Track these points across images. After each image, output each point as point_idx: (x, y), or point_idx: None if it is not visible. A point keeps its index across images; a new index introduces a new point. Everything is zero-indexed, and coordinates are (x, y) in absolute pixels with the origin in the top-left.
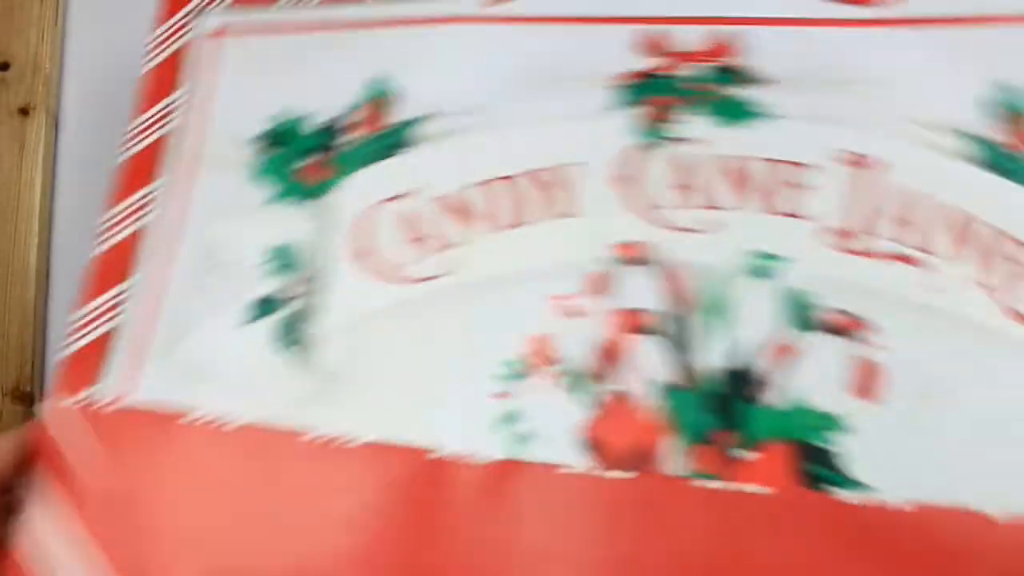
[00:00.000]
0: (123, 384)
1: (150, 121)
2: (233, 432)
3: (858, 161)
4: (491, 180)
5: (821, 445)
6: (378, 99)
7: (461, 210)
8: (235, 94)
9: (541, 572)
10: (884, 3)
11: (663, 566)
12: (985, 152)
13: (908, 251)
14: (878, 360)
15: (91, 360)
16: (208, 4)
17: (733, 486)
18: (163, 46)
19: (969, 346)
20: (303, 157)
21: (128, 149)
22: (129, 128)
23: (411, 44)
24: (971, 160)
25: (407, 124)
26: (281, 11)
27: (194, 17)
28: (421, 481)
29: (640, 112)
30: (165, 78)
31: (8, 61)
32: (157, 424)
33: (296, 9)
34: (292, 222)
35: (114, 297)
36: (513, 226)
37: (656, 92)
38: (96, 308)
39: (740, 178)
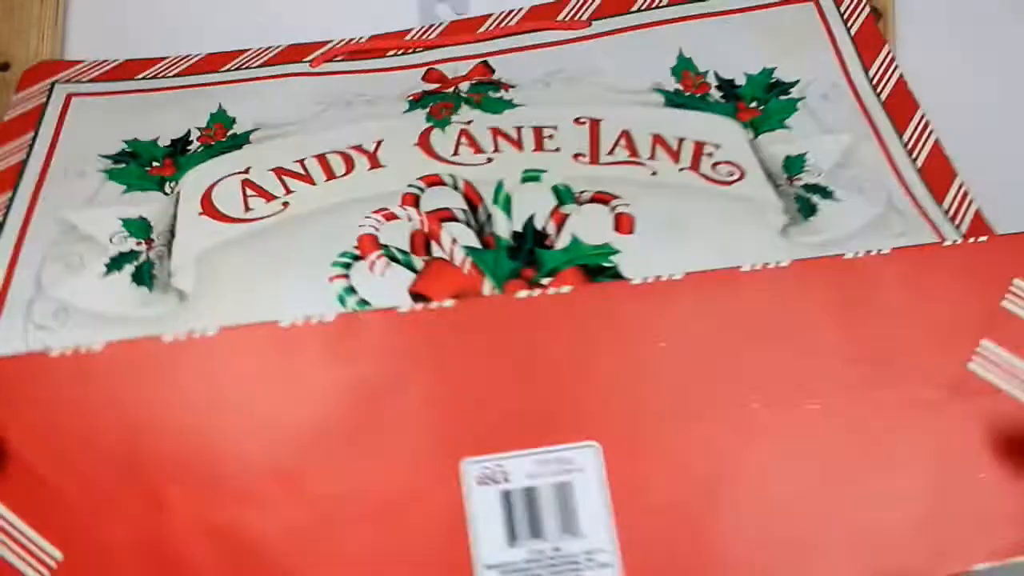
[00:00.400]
0: None
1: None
2: (99, 353)
3: (585, 121)
4: (314, 155)
5: (601, 264)
6: (217, 122)
7: (290, 174)
8: (83, 130)
9: (388, 403)
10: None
11: (490, 374)
12: (671, 97)
13: (631, 159)
14: (627, 207)
15: None
16: (66, 78)
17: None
18: (21, 105)
19: (688, 196)
20: (156, 162)
21: None
22: None
23: (245, 90)
24: (662, 104)
25: (239, 135)
26: (135, 82)
27: (53, 86)
28: (276, 353)
29: (428, 112)
30: (20, 123)
31: (8, 61)
32: (23, 365)
33: (148, 81)
34: (145, 203)
35: None
36: (336, 176)
37: (440, 100)
38: None
39: (505, 137)
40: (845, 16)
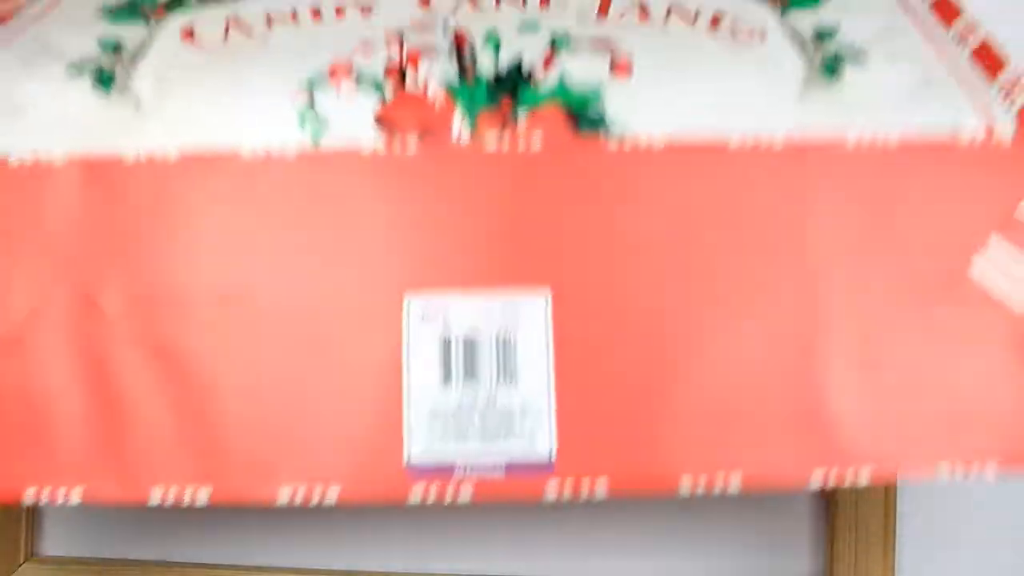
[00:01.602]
0: None
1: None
2: (60, 167)
3: None
4: (307, 4)
5: (586, 110)
6: None
7: (277, 13)
8: None
9: (348, 244)
10: None
11: (453, 224)
12: None
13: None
14: (627, 52)
15: None
16: None
17: (509, 145)
18: None
19: (699, 45)
20: (148, 5)
21: None
22: None
23: None
24: None
25: None
26: None
27: None
28: (236, 184)
29: None
30: None
31: None
32: None
33: None
34: (127, 28)
35: None
36: (322, 18)
37: None
38: None
39: None
40: None
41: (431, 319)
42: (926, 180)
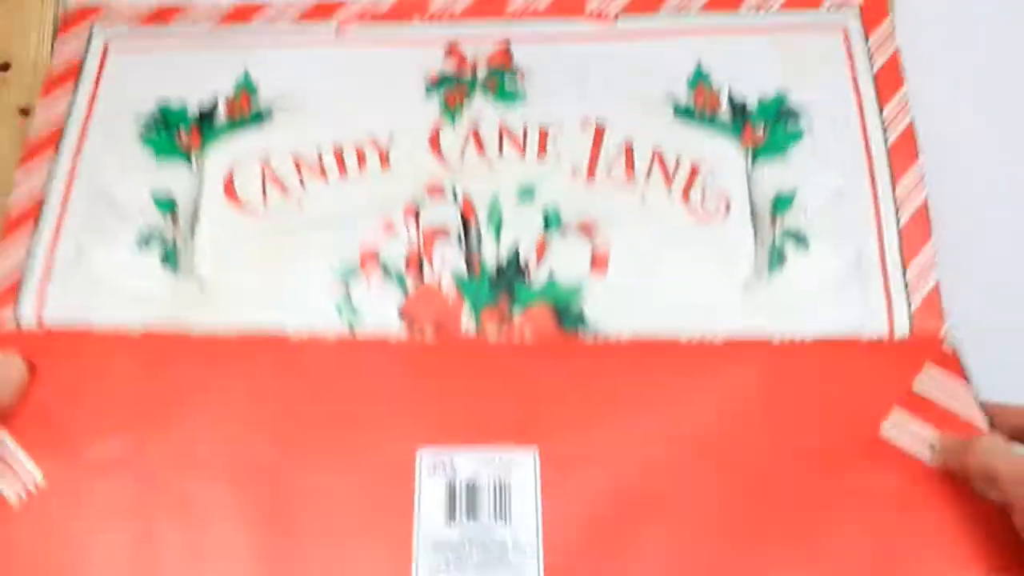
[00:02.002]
0: (35, 305)
1: (51, 99)
2: (135, 338)
3: (591, 124)
4: (331, 142)
5: (569, 306)
6: (242, 90)
7: (307, 165)
8: (119, 84)
9: (372, 409)
10: (610, 22)
11: (463, 405)
12: (681, 110)
13: (626, 179)
14: (606, 249)
15: (7, 288)
16: (105, 24)
17: (506, 337)
18: (63, 56)
19: (664, 235)
20: (184, 131)
21: (36, 118)
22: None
23: (272, 56)
24: (673, 116)
25: (263, 109)
26: (170, 27)
27: (90, 29)
28: (282, 361)
29: (442, 97)
30: (62, 75)
31: (8, 61)
32: (69, 338)
33: (183, 26)
34: (173, 175)
35: (24, 237)
36: (348, 175)
37: (455, 83)
38: (9, 245)
39: (511, 137)
40: (872, 49)
41: (439, 469)
42: (837, 369)
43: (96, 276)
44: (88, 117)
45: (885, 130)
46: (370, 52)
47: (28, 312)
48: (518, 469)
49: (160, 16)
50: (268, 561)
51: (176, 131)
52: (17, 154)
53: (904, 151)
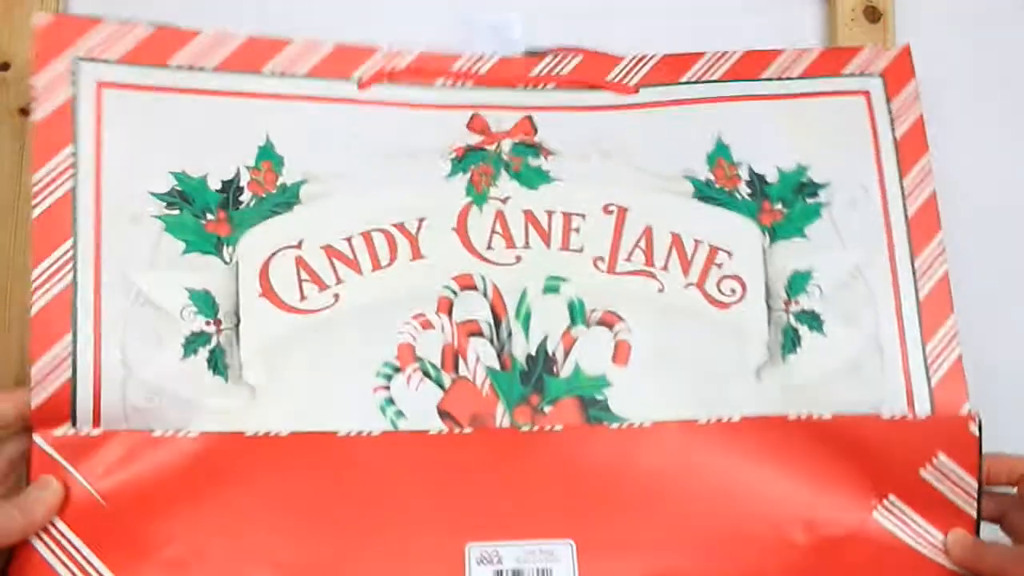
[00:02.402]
0: (88, 419)
1: (49, 177)
2: (192, 440)
3: (613, 209)
4: (361, 232)
5: (595, 396)
6: (265, 163)
7: (339, 256)
8: (127, 150)
9: (420, 503)
10: (631, 93)
11: (494, 483)
12: (701, 187)
13: (645, 268)
14: (628, 340)
15: (59, 405)
16: (91, 54)
17: (538, 428)
18: (48, 96)
19: (681, 323)
20: (209, 212)
21: (37, 206)
22: (33, 183)
23: (292, 116)
24: (692, 195)
25: (289, 188)
26: (170, 72)
27: (76, 65)
28: (332, 457)
29: (469, 178)
30: (55, 130)
31: (8, 61)
32: (130, 444)
33: (184, 72)
34: (207, 269)
35: (63, 348)
36: (381, 266)
37: (480, 161)
38: (50, 359)
39: (536, 225)
40: (894, 114)
41: (487, 561)
42: (848, 448)
43: (147, 389)
44: (98, 191)
45: (905, 200)
46: (394, 114)
47: (83, 424)
48: (558, 559)
49: (153, 48)
50: None
51: (201, 214)
52: (17, 154)
53: (925, 222)
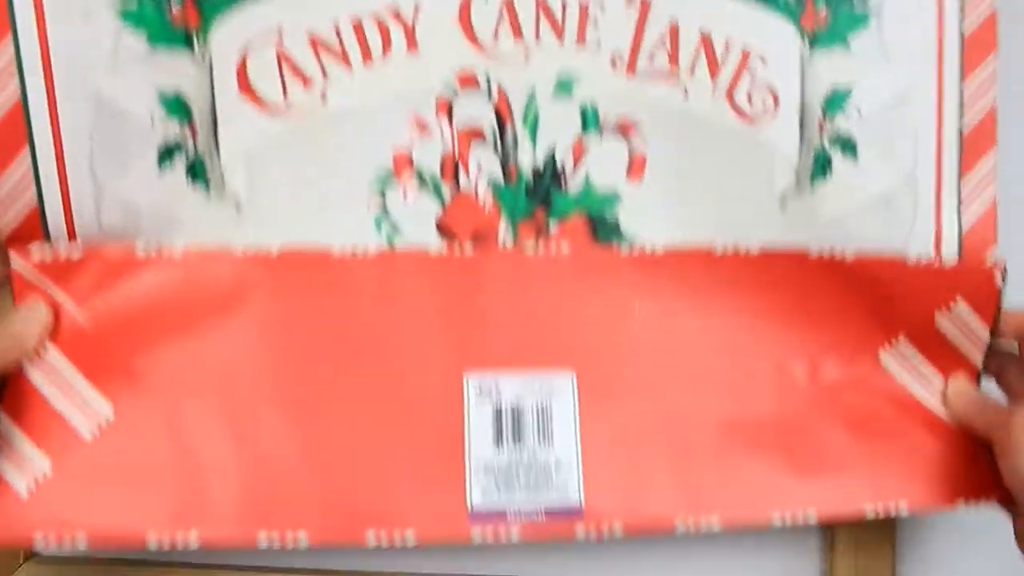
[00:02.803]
0: (65, 242)
1: None
2: (178, 258)
3: (635, 1)
4: (349, 17)
5: (604, 214)
6: None
7: (326, 47)
8: None
9: (418, 329)
10: None
11: (495, 309)
12: None
13: (669, 70)
14: (644, 152)
15: (29, 231)
16: None
17: (543, 250)
18: None
19: (704, 137)
20: (173, 1)
21: None
22: None
23: None
24: None
25: None
26: None
27: None
28: (326, 277)
29: None
30: None
31: None
32: (113, 261)
33: None
34: (176, 67)
35: (21, 166)
36: (372, 60)
37: None
38: (8, 181)
39: (549, 14)
40: None
41: (485, 393)
42: (866, 289)
43: (122, 207)
44: None
45: (963, 14)
46: None
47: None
48: (558, 393)
49: None
50: (322, 482)
51: (164, 2)
52: None
53: (980, 42)
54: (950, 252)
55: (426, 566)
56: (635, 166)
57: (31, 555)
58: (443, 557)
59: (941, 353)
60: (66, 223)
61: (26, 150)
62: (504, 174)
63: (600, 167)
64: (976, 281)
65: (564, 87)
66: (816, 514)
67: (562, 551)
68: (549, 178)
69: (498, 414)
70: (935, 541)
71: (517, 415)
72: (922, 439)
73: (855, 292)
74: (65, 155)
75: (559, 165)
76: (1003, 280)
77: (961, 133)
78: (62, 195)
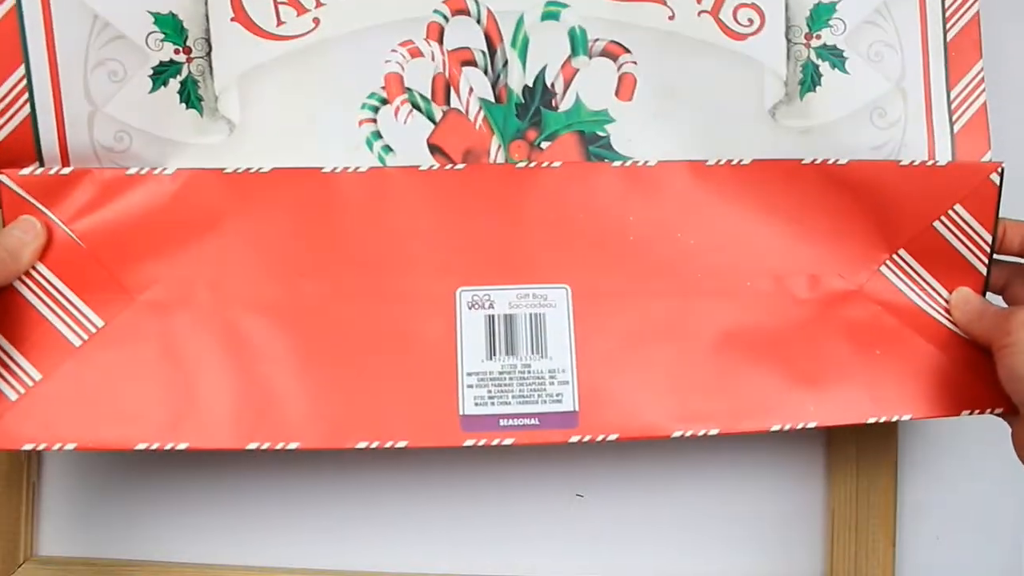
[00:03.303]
0: (56, 161)
1: None
2: (169, 177)
3: None
4: None
5: (596, 132)
6: None
7: None
8: None
9: (410, 245)
10: None
11: (488, 224)
12: None
13: None
14: (633, 72)
15: (22, 147)
16: None
17: (535, 164)
18: None
19: (695, 56)
20: None
21: None
22: None
23: None
24: None
25: None
26: None
27: None
28: (318, 194)
29: None
30: None
31: None
32: (104, 182)
33: None
34: None
35: (16, 82)
36: None
37: None
38: (2, 96)
39: None
40: None
41: (478, 306)
42: (861, 196)
43: (116, 126)
44: None
45: None
46: None
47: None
48: (553, 304)
49: None
50: (313, 393)
51: None
52: None
53: None
54: (944, 159)
55: (430, 565)
56: (625, 86)
57: (31, 555)
58: (444, 556)
59: (943, 262)
60: (59, 142)
61: (21, 68)
62: (495, 95)
63: (590, 88)
64: (973, 182)
65: (552, 13)
66: (816, 423)
67: (562, 547)
68: (539, 98)
69: (491, 326)
70: (936, 458)
71: (510, 327)
72: (924, 348)
73: (851, 200)
74: (60, 75)
75: (549, 85)
76: (1000, 180)
77: (946, 43)
78: (56, 114)
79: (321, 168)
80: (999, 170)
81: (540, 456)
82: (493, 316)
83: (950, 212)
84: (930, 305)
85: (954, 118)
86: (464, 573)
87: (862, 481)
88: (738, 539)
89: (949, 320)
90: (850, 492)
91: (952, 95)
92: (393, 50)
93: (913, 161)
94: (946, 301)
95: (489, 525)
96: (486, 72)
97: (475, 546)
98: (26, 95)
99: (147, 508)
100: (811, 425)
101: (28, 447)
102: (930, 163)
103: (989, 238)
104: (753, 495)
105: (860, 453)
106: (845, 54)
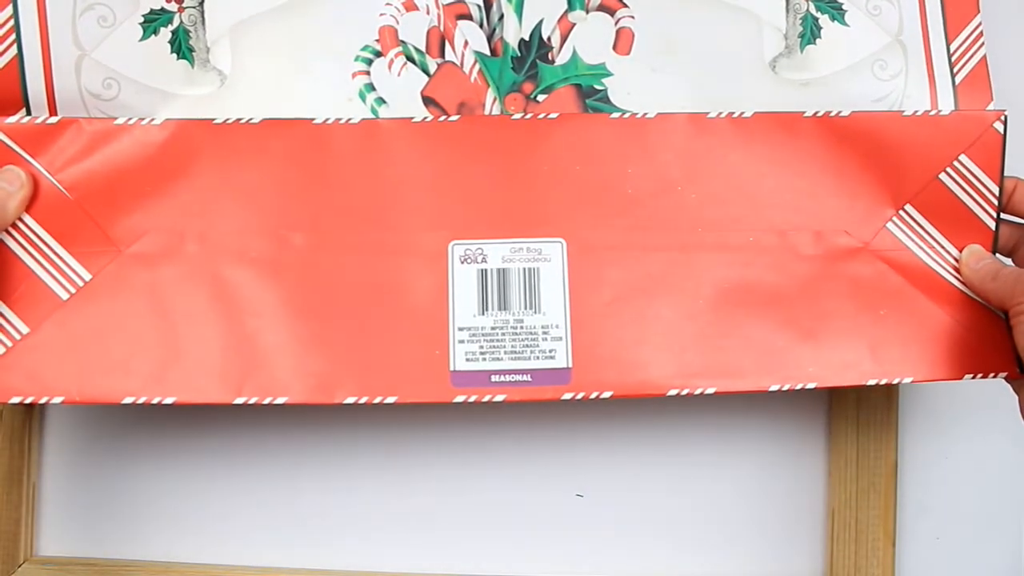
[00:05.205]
0: (43, 107)
1: None
2: (157, 127)
3: None
4: None
5: (594, 85)
6: None
7: None
8: None
9: (402, 198)
10: None
11: (482, 177)
12: None
13: None
14: (630, 27)
15: (9, 92)
16: None
17: (531, 116)
18: None
19: (693, 11)
20: None
21: None
22: None
23: None
24: None
25: None
26: None
27: None
28: (308, 145)
29: None
30: None
31: None
32: (91, 132)
33: None
34: None
35: (3, 24)
36: None
37: None
38: None
39: None
40: None
41: (470, 260)
42: (865, 150)
43: (104, 73)
44: None
45: None
46: None
47: (39, 112)
48: (547, 258)
49: None
50: (302, 347)
51: None
52: None
53: None
54: (947, 109)
55: (430, 565)
56: (623, 40)
57: (31, 555)
58: (444, 556)
59: (951, 217)
60: (46, 87)
61: (9, 8)
62: (490, 48)
63: (587, 42)
64: (977, 130)
65: None
66: (816, 384)
67: (562, 547)
68: (535, 51)
69: (483, 280)
70: (936, 458)
71: (503, 282)
72: (929, 309)
73: (855, 153)
74: (48, 20)
75: (546, 39)
76: (1004, 128)
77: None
78: (43, 60)
79: (312, 119)
80: (1002, 118)
81: (540, 455)
82: (486, 270)
83: (955, 163)
84: (938, 263)
85: (955, 70)
86: (464, 573)
87: (862, 481)
88: (738, 539)
89: (957, 279)
90: (850, 492)
91: (952, 48)
92: (387, 3)
93: (916, 111)
94: (955, 259)
95: (489, 525)
96: (481, 26)
97: (475, 545)
98: (13, 35)
99: (147, 508)
100: (810, 386)
101: (15, 400)
102: (933, 112)
103: (996, 189)
104: (753, 495)
105: (860, 453)
106: (844, 7)
